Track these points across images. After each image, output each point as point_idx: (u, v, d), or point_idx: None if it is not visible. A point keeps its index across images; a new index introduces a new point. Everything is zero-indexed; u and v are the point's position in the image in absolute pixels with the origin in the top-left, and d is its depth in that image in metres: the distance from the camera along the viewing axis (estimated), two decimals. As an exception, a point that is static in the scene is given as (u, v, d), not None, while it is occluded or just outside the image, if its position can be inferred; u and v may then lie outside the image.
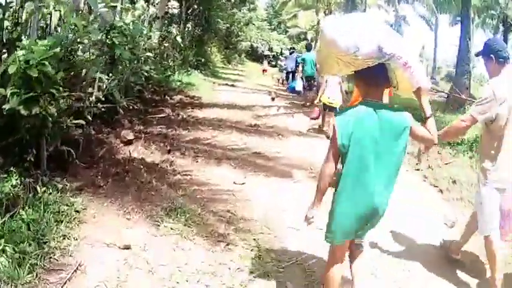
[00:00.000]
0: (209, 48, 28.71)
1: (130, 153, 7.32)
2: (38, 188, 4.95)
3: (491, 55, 4.07)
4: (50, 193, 4.99)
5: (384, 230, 5.02)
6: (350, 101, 7.32)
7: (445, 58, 68.88)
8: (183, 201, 5.56)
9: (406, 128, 2.97)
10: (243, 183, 6.56)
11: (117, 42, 8.49)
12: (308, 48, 17.08)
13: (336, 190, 3.15)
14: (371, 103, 3.01)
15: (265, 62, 38.40)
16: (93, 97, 7.48)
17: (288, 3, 44.44)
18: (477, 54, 4.37)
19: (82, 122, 6.23)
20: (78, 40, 6.60)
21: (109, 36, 8.10)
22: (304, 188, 6.14)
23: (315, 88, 15.10)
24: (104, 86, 8.15)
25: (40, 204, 4.62)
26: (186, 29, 24.55)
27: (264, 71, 33.16)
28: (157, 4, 22.34)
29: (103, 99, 7.69)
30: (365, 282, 3.70)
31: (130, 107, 9.63)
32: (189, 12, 24.28)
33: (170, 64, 16.53)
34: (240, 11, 40.82)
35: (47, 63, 4.94)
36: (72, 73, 6.89)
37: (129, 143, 7.95)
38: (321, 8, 38.46)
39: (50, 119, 5.19)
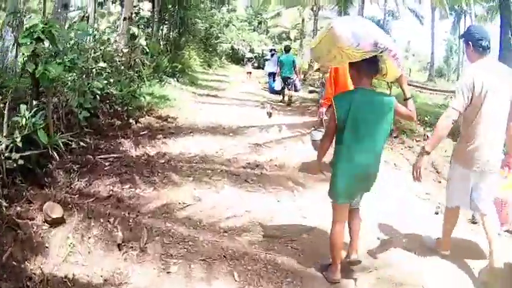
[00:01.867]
0: (187, 52, 25.25)
1: (34, 274, 3.89)
2: None
3: (469, 42, 4.17)
4: None
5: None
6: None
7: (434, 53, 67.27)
8: None
9: (391, 108, 3.74)
10: None
11: (28, 53, 5.30)
12: (286, 50, 17.34)
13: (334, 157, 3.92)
14: (364, 89, 3.78)
15: (249, 64, 35.21)
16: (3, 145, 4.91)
17: (271, 1, 41.41)
18: (460, 37, 4.77)
19: None
20: None
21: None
22: None
23: (291, 87, 16.29)
24: (24, 122, 5.35)
25: None
26: (160, 31, 21.32)
27: (248, 73, 29.82)
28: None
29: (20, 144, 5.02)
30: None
31: (73, 145, 6.56)
32: (162, 12, 21.00)
33: (139, 74, 13.19)
34: (219, 11, 37.99)
35: None
36: None
37: (56, 222, 4.66)
38: (307, 4, 35.23)
39: None
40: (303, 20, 41.68)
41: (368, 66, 3.72)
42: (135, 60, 13.42)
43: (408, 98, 3.86)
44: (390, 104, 3.72)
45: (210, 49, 35.29)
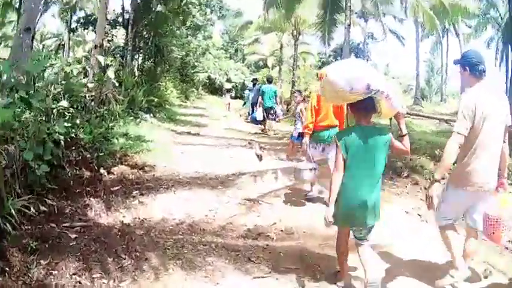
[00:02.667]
0: (164, 84, 23.77)
1: None
2: None
3: (467, 67, 4.29)
4: None
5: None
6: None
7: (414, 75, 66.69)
8: None
9: (387, 143, 4.03)
10: None
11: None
12: (269, 80, 17.83)
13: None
14: (362, 126, 4.07)
15: (228, 96, 34.08)
16: None
17: (249, 28, 40.23)
18: (455, 62, 4.54)
19: None
20: None
21: None
22: None
23: (273, 118, 16.91)
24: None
25: None
26: (135, 61, 19.92)
27: (227, 104, 29.64)
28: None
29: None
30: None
31: (32, 210, 5.24)
32: (137, 40, 19.61)
33: (111, 111, 11.74)
34: (195, 38, 36.79)
35: None
36: None
37: None
38: (286, 29, 34.18)
39: None
40: (281, 46, 40.61)
41: (364, 106, 4.02)
42: (106, 95, 12.00)
43: (404, 134, 4.14)
44: (386, 141, 4.03)
45: (187, 79, 33.88)
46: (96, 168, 7.83)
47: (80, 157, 7.67)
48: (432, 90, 62.09)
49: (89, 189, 6.83)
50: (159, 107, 18.35)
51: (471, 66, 4.26)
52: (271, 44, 44.43)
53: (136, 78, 17.74)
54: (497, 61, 37.06)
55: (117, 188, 7.28)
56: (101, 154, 8.32)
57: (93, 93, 11.16)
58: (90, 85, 9.90)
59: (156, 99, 17.55)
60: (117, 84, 13.52)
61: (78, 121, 8.36)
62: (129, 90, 15.30)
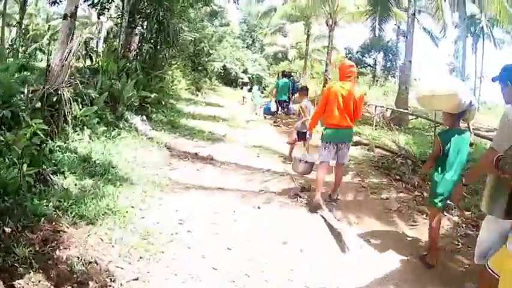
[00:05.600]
0: (171, 73, 18.41)
1: None
2: None
3: (508, 81, 3.99)
4: None
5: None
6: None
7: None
8: None
9: (469, 140, 5.32)
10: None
11: None
12: (284, 74, 18.93)
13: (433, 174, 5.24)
14: (455, 129, 5.22)
15: (245, 89, 29.61)
16: None
17: (272, 16, 35.19)
18: (494, 80, 4.29)
19: None
20: None
21: None
22: None
23: (286, 110, 18.15)
24: None
25: None
26: (132, 41, 14.68)
27: (243, 98, 26.99)
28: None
29: None
30: None
31: None
32: (135, 14, 14.24)
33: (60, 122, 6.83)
34: (212, 24, 31.82)
35: None
36: None
37: None
38: (319, 17, 29.37)
39: None
40: (308, 36, 35.56)
41: (460, 115, 5.18)
42: (57, 91, 6.92)
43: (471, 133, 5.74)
44: (469, 138, 5.38)
45: (200, 68, 28.73)
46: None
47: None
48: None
49: None
50: (158, 105, 13.17)
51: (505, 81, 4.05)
52: (296, 34, 39.60)
53: (129, 64, 12.45)
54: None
55: None
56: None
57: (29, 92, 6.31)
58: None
59: (153, 95, 12.28)
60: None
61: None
62: (112, 81, 10.12)
